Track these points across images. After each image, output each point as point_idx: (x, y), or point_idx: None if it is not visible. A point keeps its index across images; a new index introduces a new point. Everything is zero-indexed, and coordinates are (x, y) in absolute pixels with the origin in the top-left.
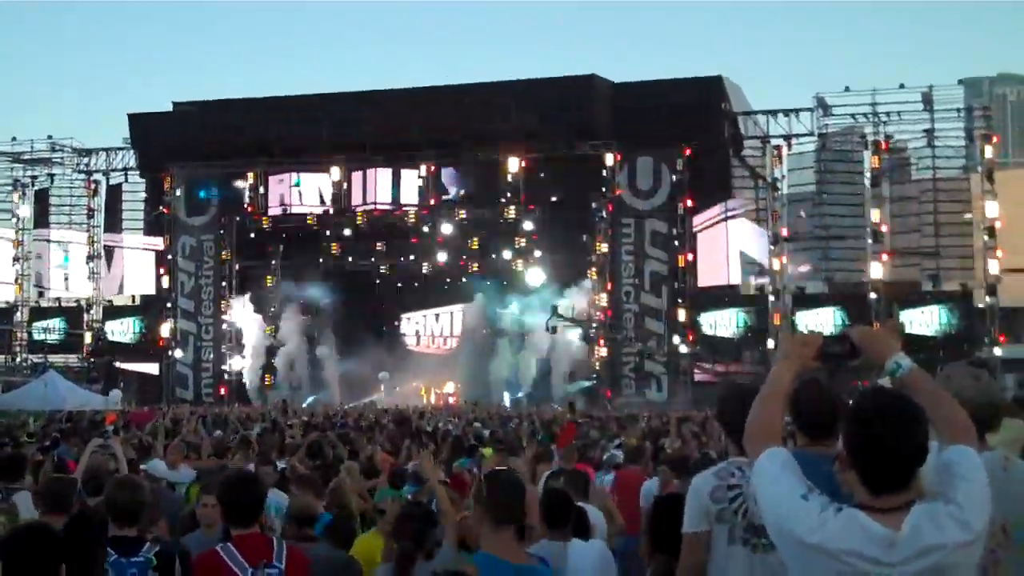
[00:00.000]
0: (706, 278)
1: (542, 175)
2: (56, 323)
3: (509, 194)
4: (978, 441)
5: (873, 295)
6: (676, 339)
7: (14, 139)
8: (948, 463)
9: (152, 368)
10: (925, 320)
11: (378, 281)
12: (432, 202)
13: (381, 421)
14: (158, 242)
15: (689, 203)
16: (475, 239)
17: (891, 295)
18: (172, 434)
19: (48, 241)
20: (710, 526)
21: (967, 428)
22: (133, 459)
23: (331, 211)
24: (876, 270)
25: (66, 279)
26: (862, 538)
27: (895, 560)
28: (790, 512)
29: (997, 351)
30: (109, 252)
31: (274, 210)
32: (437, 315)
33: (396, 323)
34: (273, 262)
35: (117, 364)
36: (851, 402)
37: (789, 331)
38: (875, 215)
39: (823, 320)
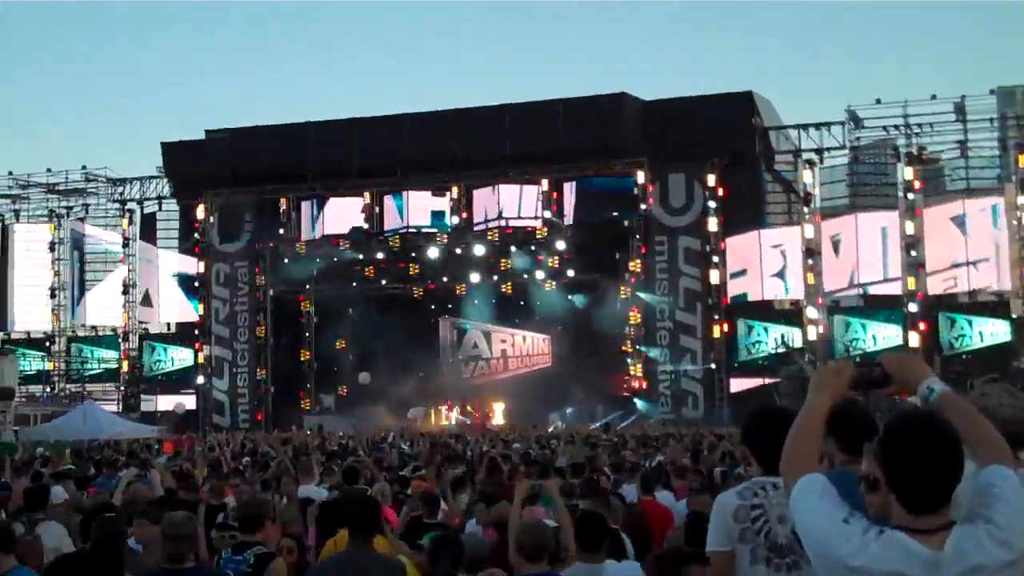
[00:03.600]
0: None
1: (574, 194)
2: (93, 352)
3: (546, 213)
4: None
5: (912, 307)
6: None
7: (49, 170)
8: (986, 484)
9: (189, 395)
10: (962, 331)
11: (410, 303)
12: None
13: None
14: (193, 270)
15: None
16: (507, 259)
17: (928, 307)
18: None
19: (83, 268)
20: (732, 545)
21: (1002, 448)
22: (172, 488)
23: (364, 235)
24: (911, 282)
25: (103, 308)
26: (906, 560)
27: None
28: (832, 536)
29: None
30: (145, 280)
31: (307, 235)
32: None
33: (429, 344)
34: (307, 287)
35: (154, 395)
36: (884, 423)
37: (830, 360)
38: (909, 227)
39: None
